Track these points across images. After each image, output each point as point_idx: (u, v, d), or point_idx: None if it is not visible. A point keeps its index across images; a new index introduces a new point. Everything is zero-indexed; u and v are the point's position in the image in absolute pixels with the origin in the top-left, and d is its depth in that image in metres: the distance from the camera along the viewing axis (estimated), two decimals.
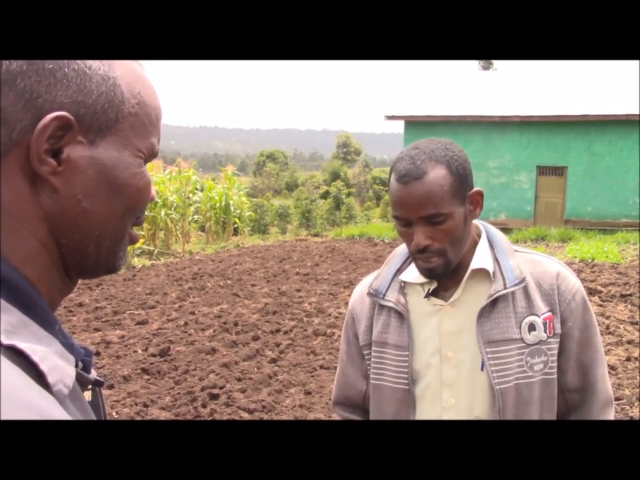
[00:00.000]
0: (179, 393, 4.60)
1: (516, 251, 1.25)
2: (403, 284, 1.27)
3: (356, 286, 1.42)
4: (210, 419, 4.14)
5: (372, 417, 1.31)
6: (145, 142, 0.58)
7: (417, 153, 1.13)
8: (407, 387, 1.23)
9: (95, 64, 0.54)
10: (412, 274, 1.26)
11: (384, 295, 1.27)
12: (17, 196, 0.51)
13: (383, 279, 1.30)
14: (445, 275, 1.19)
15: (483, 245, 1.24)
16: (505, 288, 1.17)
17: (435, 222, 1.12)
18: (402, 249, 1.32)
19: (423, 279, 1.23)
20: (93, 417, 0.57)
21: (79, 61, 0.53)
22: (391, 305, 1.26)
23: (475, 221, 1.26)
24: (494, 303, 1.18)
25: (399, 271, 1.30)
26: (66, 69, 0.52)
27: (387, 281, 1.29)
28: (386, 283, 1.29)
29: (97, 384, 0.61)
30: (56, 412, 0.45)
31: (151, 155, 0.60)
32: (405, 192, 1.12)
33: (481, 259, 1.21)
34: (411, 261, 1.28)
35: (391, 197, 1.16)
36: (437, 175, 1.11)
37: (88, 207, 0.54)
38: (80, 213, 0.54)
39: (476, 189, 1.19)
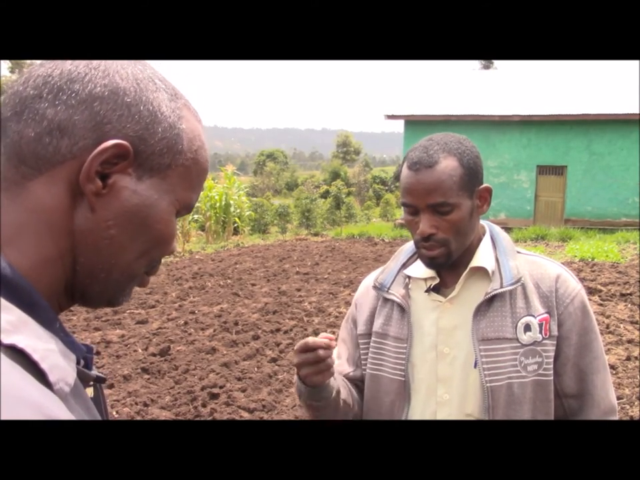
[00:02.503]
0: (179, 393, 4.60)
1: (519, 252, 1.26)
2: (407, 279, 1.30)
3: (357, 284, 1.44)
4: (210, 418, 4.14)
5: (367, 406, 1.32)
6: (185, 194, 0.61)
7: (430, 143, 1.17)
8: (404, 379, 1.25)
9: (167, 111, 0.58)
10: (416, 269, 1.28)
11: (388, 288, 1.30)
12: (56, 204, 0.53)
13: (389, 273, 1.33)
14: (445, 266, 1.21)
15: (485, 244, 1.25)
16: (502, 287, 1.18)
17: (441, 211, 1.14)
18: (409, 246, 1.35)
19: (426, 274, 1.26)
20: (96, 414, 0.57)
21: (154, 103, 0.57)
22: (394, 298, 1.28)
23: (481, 221, 1.28)
24: (490, 301, 1.20)
25: (405, 265, 1.32)
26: (141, 107, 0.56)
27: (392, 275, 1.32)
28: (391, 277, 1.32)
29: (99, 380, 0.62)
30: (58, 410, 0.45)
31: (184, 207, 0.62)
32: (414, 179, 1.14)
33: (482, 257, 1.23)
34: (417, 257, 1.30)
35: (401, 184, 1.19)
36: (448, 165, 1.13)
37: (114, 235, 0.56)
38: (105, 237, 0.56)
39: (485, 185, 1.20)
